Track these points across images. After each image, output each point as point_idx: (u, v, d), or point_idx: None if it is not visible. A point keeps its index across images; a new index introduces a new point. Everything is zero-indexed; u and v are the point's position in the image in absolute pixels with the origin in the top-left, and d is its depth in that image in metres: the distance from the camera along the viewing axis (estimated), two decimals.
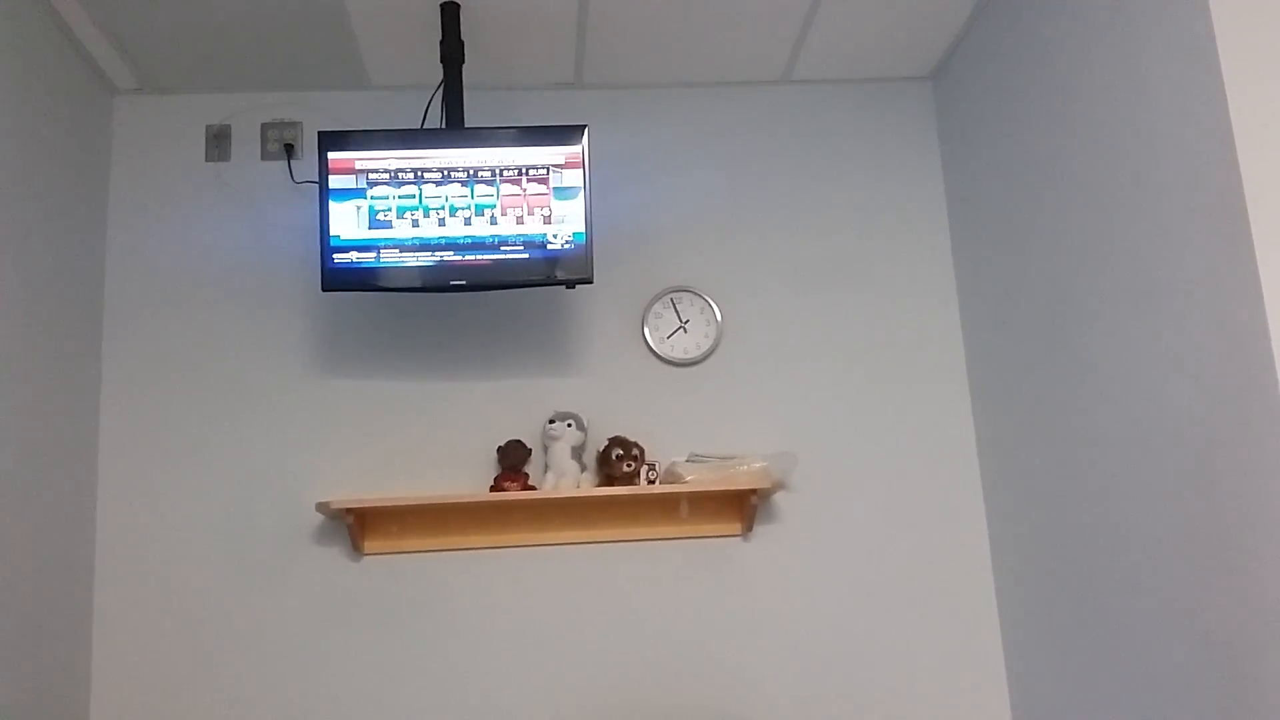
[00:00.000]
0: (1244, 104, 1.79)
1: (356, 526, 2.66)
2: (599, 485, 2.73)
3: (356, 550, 2.71)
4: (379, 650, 2.68)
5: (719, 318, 2.90)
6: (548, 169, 2.55)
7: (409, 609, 2.71)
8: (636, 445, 2.72)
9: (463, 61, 2.64)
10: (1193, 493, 1.93)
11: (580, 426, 2.71)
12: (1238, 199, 1.78)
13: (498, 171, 2.54)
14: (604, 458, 2.71)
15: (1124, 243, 2.13)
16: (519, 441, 2.73)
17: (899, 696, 2.74)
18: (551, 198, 2.54)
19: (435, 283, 2.51)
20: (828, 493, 2.83)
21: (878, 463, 2.85)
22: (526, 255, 2.52)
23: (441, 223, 2.52)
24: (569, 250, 2.53)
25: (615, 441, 2.71)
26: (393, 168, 2.53)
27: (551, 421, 2.71)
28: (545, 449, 2.72)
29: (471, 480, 2.77)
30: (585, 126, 2.57)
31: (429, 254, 2.51)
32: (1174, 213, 1.95)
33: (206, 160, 2.90)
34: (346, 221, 2.51)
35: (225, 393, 2.79)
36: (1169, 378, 1.99)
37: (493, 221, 2.52)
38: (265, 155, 2.91)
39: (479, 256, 2.52)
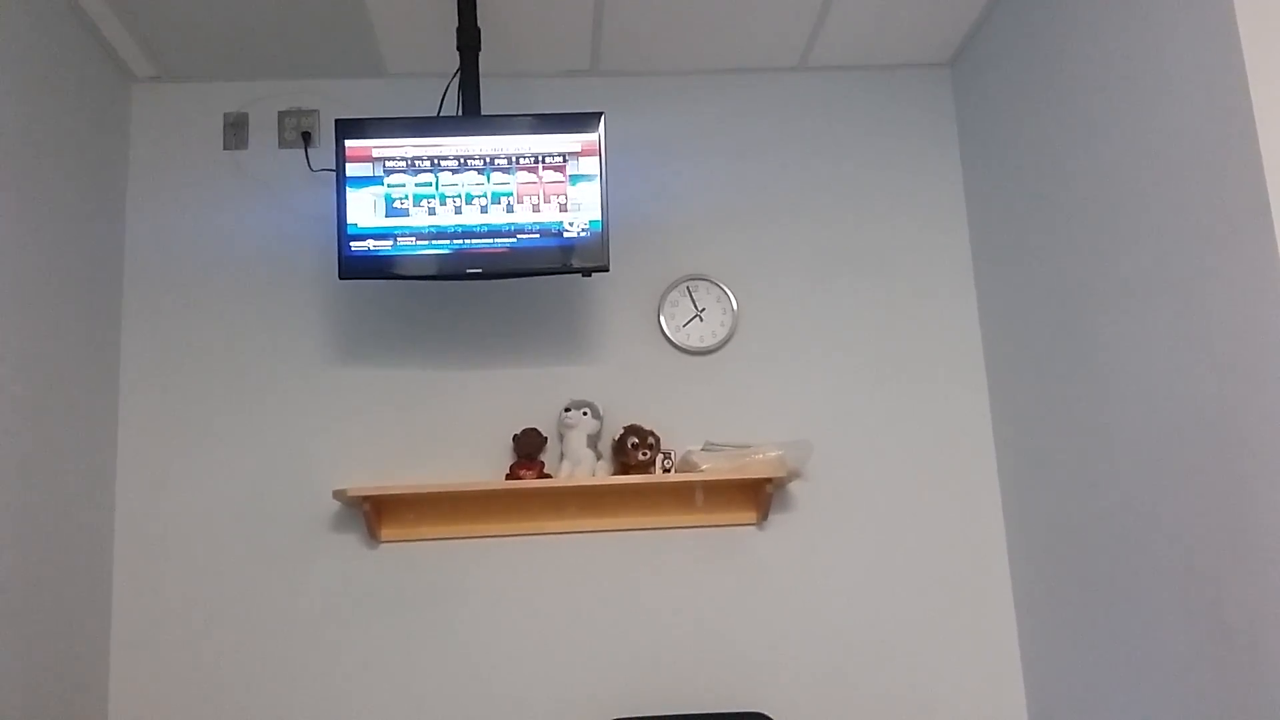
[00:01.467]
0: (1267, 93, 1.77)
1: (373, 514, 2.67)
2: (614, 474, 2.73)
3: (373, 538, 2.72)
4: (395, 637, 2.70)
5: (735, 306, 2.89)
6: (564, 156, 2.54)
7: (425, 596, 2.72)
8: (652, 434, 2.72)
9: (479, 49, 2.64)
10: (1210, 485, 1.92)
11: (596, 415, 2.72)
12: (1260, 189, 1.76)
13: (514, 159, 2.53)
14: (619, 446, 2.71)
15: (1144, 232, 2.11)
16: (535, 430, 2.73)
17: (914, 685, 2.73)
18: (568, 185, 2.54)
19: (451, 271, 2.51)
20: (843, 482, 2.83)
21: (893, 452, 2.85)
22: (543, 243, 2.52)
23: (458, 210, 2.52)
24: (585, 238, 2.53)
25: (631, 430, 2.71)
26: (409, 155, 2.53)
27: (567, 410, 2.72)
28: (561, 437, 2.73)
29: (487, 468, 2.77)
30: (602, 114, 2.56)
31: (445, 242, 2.51)
32: (1194, 202, 1.94)
33: (224, 148, 2.91)
34: (363, 209, 2.51)
35: (242, 380, 2.80)
36: (1187, 369, 1.97)
37: (509, 209, 2.52)
38: (283, 143, 2.92)
39: (495, 244, 2.52)
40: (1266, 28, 1.80)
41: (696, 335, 2.87)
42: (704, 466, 2.65)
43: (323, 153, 2.88)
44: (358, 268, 2.51)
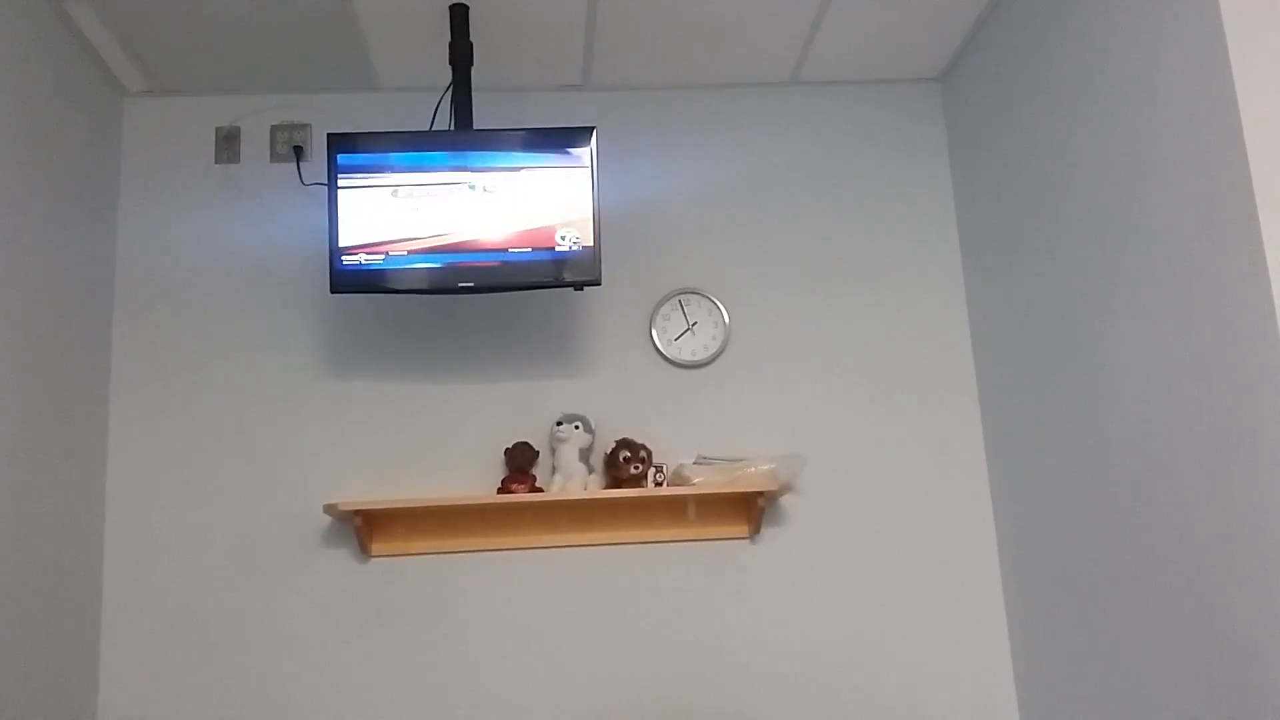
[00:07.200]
0: (1254, 105, 1.78)
1: (364, 528, 2.66)
2: (606, 487, 2.73)
3: (364, 552, 2.71)
4: (386, 652, 2.69)
5: (727, 319, 2.89)
6: (556, 170, 2.54)
7: (416, 611, 2.71)
8: (644, 447, 2.71)
9: (471, 63, 2.64)
10: (1202, 494, 1.92)
11: (588, 428, 2.71)
12: (1247, 201, 1.77)
13: (506, 173, 2.54)
14: (611, 460, 2.71)
15: (1133, 245, 2.12)
16: (526, 443, 2.73)
17: (907, 700, 2.73)
18: (559, 200, 2.54)
19: (443, 285, 2.51)
20: (835, 495, 2.83)
21: (886, 465, 2.85)
22: (534, 257, 2.52)
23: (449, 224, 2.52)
24: (577, 252, 2.53)
25: (623, 443, 2.71)
26: (402, 169, 2.53)
27: (559, 423, 2.72)
28: (553, 451, 2.73)
29: (479, 482, 2.77)
30: (593, 128, 2.57)
31: (437, 256, 2.51)
32: (1183, 214, 1.95)
33: (216, 162, 2.91)
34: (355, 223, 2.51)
35: (233, 394, 2.79)
36: (1178, 380, 1.98)
37: (500, 223, 2.52)
38: (274, 157, 2.92)
39: (487, 258, 2.52)
40: (1255, 42, 1.81)
41: (688, 349, 2.88)
42: (696, 480, 2.65)
43: (315, 166, 2.88)
44: (349, 281, 2.51)
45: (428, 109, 2.80)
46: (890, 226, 2.98)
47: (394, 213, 2.51)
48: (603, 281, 2.59)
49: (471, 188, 2.53)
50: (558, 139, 2.55)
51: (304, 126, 2.93)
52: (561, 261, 2.53)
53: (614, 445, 2.72)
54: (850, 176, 3.00)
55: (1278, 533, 1.73)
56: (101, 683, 2.64)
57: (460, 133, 2.58)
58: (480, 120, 2.83)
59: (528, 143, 2.54)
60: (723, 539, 2.78)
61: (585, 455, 2.71)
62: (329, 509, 2.61)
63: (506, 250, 2.52)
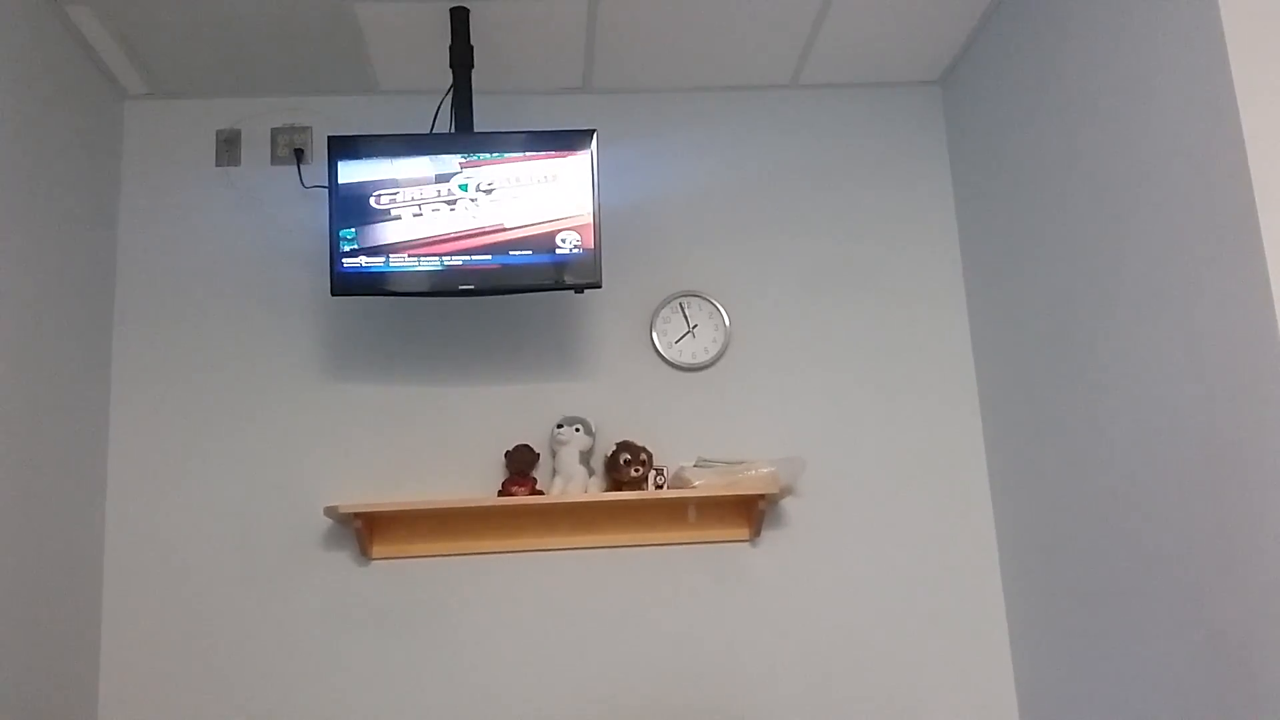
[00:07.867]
0: (1254, 108, 1.79)
1: (365, 531, 2.66)
2: (607, 490, 2.73)
3: (365, 555, 2.71)
4: (387, 655, 2.69)
5: (727, 322, 2.89)
6: (556, 173, 2.55)
7: (417, 614, 2.71)
8: (644, 450, 2.71)
9: (472, 66, 2.64)
10: (1201, 496, 1.92)
11: (588, 431, 2.71)
12: (1248, 204, 1.77)
13: (506, 175, 2.54)
14: (612, 462, 2.71)
15: (1133, 248, 2.12)
16: (527, 446, 2.73)
17: (907, 702, 2.72)
18: (560, 202, 2.54)
19: (444, 287, 2.51)
20: (836, 498, 2.83)
21: (886, 467, 2.85)
22: (535, 259, 2.52)
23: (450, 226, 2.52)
24: (577, 254, 2.53)
25: (623, 446, 2.71)
26: (402, 172, 2.53)
27: (560, 426, 2.71)
28: (553, 454, 2.73)
29: (480, 485, 2.77)
30: (594, 131, 2.57)
31: (437, 258, 2.51)
32: (1183, 218, 1.95)
33: (216, 165, 2.91)
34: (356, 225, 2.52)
35: (234, 397, 2.79)
36: (1178, 382, 1.98)
37: (501, 226, 2.52)
38: (275, 160, 2.92)
39: (487, 261, 2.52)
40: (1255, 44, 1.81)
41: (689, 351, 2.87)
42: (696, 483, 2.65)
43: (315, 169, 2.88)
44: (350, 284, 2.51)
45: (428, 112, 2.80)
46: (891, 230, 2.98)
47: (394, 215, 2.51)
48: (603, 284, 2.59)
49: (469, 189, 2.53)
50: (558, 141, 2.55)
51: (304, 129, 2.93)
52: (562, 264, 2.53)
53: (615, 448, 2.72)
54: (851, 180, 3.00)
55: (1277, 533, 1.73)
56: (102, 686, 2.64)
57: (460, 135, 2.58)
58: (481, 123, 2.84)
59: (528, 145, 2.54)
60: (723, 542, 2.78)
61: (586, 458, 2.71)
62: (330, 511, 2.61)
63: (507, 253, 2.52)
